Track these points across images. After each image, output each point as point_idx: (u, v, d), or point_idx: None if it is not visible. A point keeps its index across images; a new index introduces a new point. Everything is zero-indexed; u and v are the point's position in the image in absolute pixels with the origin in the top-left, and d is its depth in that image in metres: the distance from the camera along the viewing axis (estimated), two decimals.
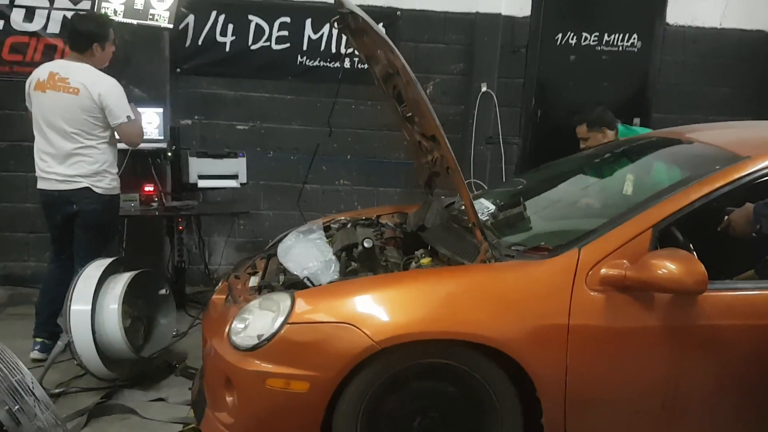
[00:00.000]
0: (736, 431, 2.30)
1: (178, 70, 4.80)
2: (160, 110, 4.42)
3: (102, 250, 3.47)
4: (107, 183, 3.45)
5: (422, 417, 2.26)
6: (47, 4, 4.49)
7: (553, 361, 2.16)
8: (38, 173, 3.46)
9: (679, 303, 2.18)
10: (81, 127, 3.34)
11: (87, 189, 3.38)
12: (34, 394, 2.35)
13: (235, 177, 4.56)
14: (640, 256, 2.16)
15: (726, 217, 2.44)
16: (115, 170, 3.52)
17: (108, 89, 3.35)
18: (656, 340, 2.21)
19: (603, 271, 2.19)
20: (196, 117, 4.96)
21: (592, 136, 3.90)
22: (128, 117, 3.40)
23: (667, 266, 2.07)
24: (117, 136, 3.48)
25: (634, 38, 5.14)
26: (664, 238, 2.28)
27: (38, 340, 3.49)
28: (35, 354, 3.46)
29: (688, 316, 2.20)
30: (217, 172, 4.54)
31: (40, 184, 3.47)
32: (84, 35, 3.40)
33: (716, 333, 2.22)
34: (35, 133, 3.44)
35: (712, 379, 2.24)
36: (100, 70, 3.44)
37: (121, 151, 3.67)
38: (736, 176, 2.32)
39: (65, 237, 3.52)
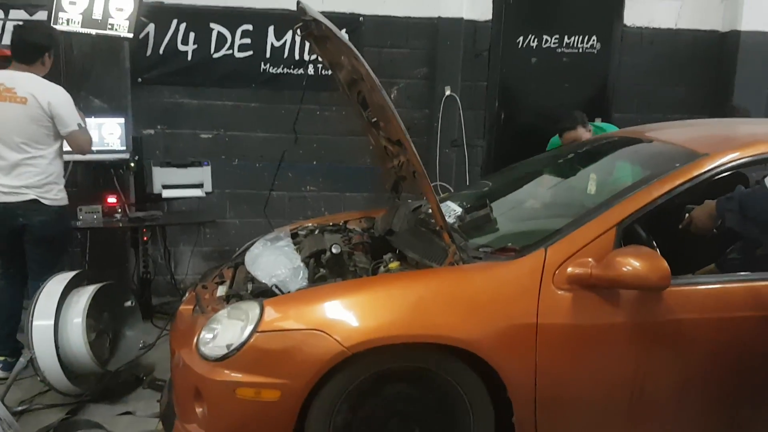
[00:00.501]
0: (702, 424, 2.34)
1: (140, 79, 4.73)
2: (122, 120, 4.36)
3: (55, 263, 3.40)
4: (54, 194, 3.37)
5: (395, 421, 2.25)
6: (2, 15, 4.39)
7: (522, 361, 2.17)
8: None
9: (644, 299, 2.22)
10: (30, 137, 3.27)
11: (35, 201, 3.30)
12: None
13: (200, 186, 4.52)
14: (605, 254, 2.20)
15: (687, 214, 2.49)
16: (62, 182, 3.45)
17: (57, 98, 3.31)
18: (623, 336, 2.24)
19: (569, 270, 2.22)
20: (158, 126, 4.90)
21: (581, 136, 3.93)
22: (78, 125, 3.37)
23: (632, 263, 2.11)
24: (66, 146, 3.42)
25: (594, 40, 5.23)
26: (627, 235, 2.32)
27: (0, 358, 3.39)
28: None
29: (653, 311, 2.24)
30: (182, 182, 4.49)
31: None
32: (34, 46, 3.34)
33: (680, 327, 2.26)
34: None
35: (677, 372, 2.28)
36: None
37: (81, 163, 3.60)
38: (696, 173, 2.37)
39: (13, 251, 3.41)
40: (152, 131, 4.89)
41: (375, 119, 2.91)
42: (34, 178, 3.30)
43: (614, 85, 5.33)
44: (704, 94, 5.32)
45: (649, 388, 2.26)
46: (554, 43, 5.19)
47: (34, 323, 2.98)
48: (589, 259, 2.22)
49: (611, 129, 4.12)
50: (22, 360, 3.01)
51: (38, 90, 3.27)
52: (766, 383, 2.30)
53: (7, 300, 3.37)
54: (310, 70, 4.94)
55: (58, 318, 3.00)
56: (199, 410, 2.25)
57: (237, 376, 2.15)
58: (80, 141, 3.40)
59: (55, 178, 3.38)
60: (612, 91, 5.33)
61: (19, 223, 3.31)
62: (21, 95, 3.25)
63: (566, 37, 5.19)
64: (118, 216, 4.25)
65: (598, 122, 4.29)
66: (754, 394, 2.32)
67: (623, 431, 2.31)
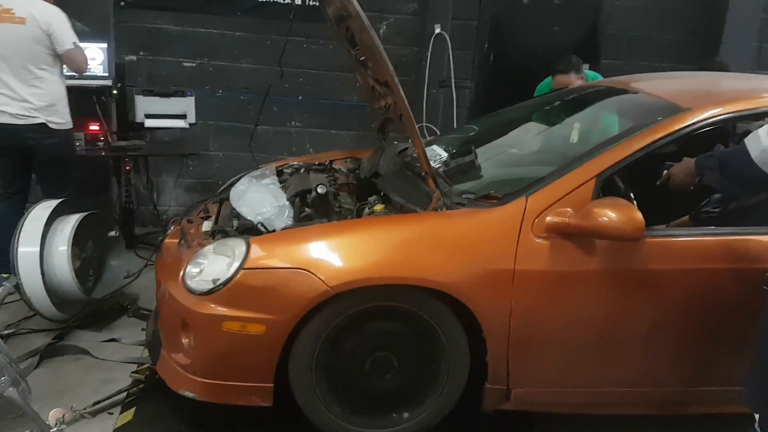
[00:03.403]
0: (666, 364, 2.46)
1: (122, 3, 4.63)
2: (104, 45, 4.26)
3: (68, 182, 3.57)
4: (60, 117, 3.50)
5: (375, 356, 2.35)
6: None
7: (498, 304, 2.26)
8: None
9: (619, 248, 2.29)
10: (31, 57, 3.36)
11: (43, 125, 3.42)
12: None
13: (183, 117, 4.47)
14: (583, 205, 2.26)
15: (665, 171, 2.55)
16: (67, 106, 3.55)
17: (54, 16, 3.37)
18: (596, 282, 2.33)
19: (548, 219, 2.28)
20: (141, 53, 4.81)
21: (574, 81, 3.92)
22: (74, 43, 3.43)
23: (608, 215, 2.18)
24: (64, 69, 3.50)
25: None
26: (606, 186, 2.38)
27: (4, 276, 3.43)
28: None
29: (626, 260, 2.32)
30: (165, 112, 4.45)
31: None
32: None
33: (651, 276, 2.35)
34: None
35: (646, 318, 2.38)
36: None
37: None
38: (676, 128, 2.42)
39: (17, 171, 3.56)
40: (134, 57, 4.80)
41: (363, 58, 2.89)
42: (40, 100, 3.40)
43: (604, 31, 5.28)
44: (693, 42, 5.31)
45: (618, 332, 2.37)
46: None
47: (20, 249, 3.00)
48: (568, 209, 2.28)
49: (597, 78, 4.11)
50: (7, 284, 3.04)
51: (35, 9, 3.33)
52: (729, 330, 2.41)
53: (6, 220, 3.39)
54: (298, 0, 4.83)
55: (43, 245, 3.03)
56: (185, 341, 2.32)
57: (223, 310, 2.22)
58: (77, 59, 3.48)
59: (60, 101, 3.50)
60: (603, 36, 5.29)
61: (28, 145, 3.44)
62: (19, 15, 3.31)
63: None
64: (100, 144, 4.22)
65: (585, 69, 4.27)
66: (718, 340, 2.43)
67: (592, 369, 2.43)
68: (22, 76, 3.36)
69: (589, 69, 4.53)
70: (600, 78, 4.10)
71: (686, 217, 2.94)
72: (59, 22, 3.37)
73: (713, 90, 2.93)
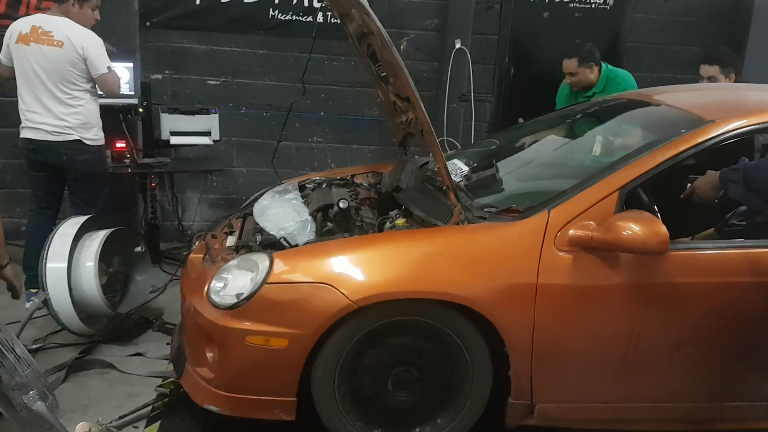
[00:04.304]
0: (691, 381, 2.43)
1: (148, 23, 4.71)
2: (130, 65, 4.35)
3: (98, 199, 3.67)
4: (94, 134, 3.61)
5: (397, 370, 2.35)
6: None
7: (521, 318, 2.25)
8: (25, 123, 3.55)
9: (643, 262, 2.28)
10: (67, 78, 3.46)
11: (77, 141, 3.53)
12: (14, 350, 2.38)
13: (207, 134, 4.55)
14: (606, 218, 2.25)
15: (689, 184, 2.52)
16: (99, 122, 3.67)
17: (90, 41, 3.48)
18: (620, 297, 2.31)
19: (571, 232, 2.27)
20: (166, 71, 4.89)
21: (581, 72, 3.98)
22: (108, 68, 3.53)
23: (632, 228, 2.16)
24: (97, 88, 3.61)
25: None
26: (629, 199, 2.37)
27: (33, 291, 3.50)
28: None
29: (650, 274, 2.30)
30: (190, 129, 4.52)
31: (27, 134, 3.56)
32: None
33: (676, 290, 2.33)
34: (19, 86, 3.53)
35: (671, 332, 2.35)
36: None
37: None
38: (700, 140, 2.40)
39: (50, 187, 3.67)
40: (160, 76, 4.88)
41: (384, 74, 2.92)
42: (75, 118, 3.51)
43: (626, 43, 5.27)
44: None
45: (643, 347, 2.34)
46: None
47: (48, 265, 3.06)
48: (591, 222, 2.27)
49: (627, 76, 4.09)
50: (36, 300, 3.10)
51: (73, 34, 3.44)
52: (757, 346, 2.38)
53: (42, 237, 3.46)
54: (319, 18, 4.89)
55: (71, 261, 3.08)
56: (209, 355, 2.35)
57: (247, 325, 2.24)
58: (110, 83, 3.58)
59: (93, 119, 3.61)
60: (623, 48, 5.28)
61: (62, 161, 3.55)
62: (57, 38, 3.43)
63: None
64: (126, 161, 4.30)
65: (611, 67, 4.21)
66: (744, 356, 2.40)
67: (616, 385, 2.40)
68: (58, 95, 3.47)
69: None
70: (630, 77, 4.10)
71: (711, 230, 2.91)
72: (95, 47, 3.47)
73: (737, 102, 2.89)
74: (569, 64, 4.00)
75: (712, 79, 3.64)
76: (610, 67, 4.14)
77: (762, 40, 5.04)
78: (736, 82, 3.63)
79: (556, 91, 4.35)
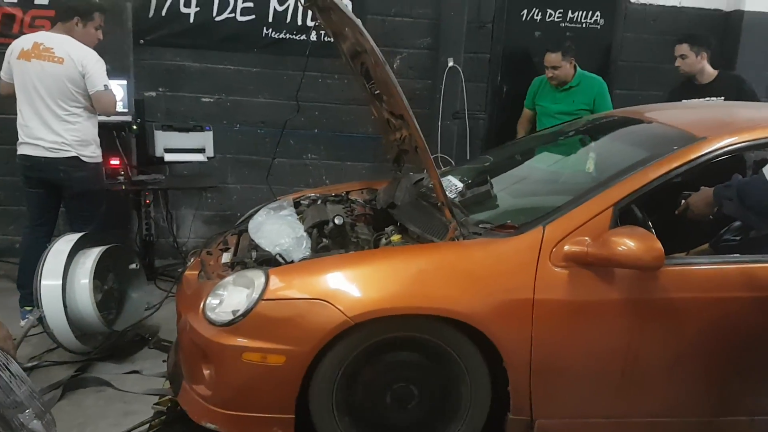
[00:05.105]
0: (689, 396, 2.44)
1: (142, 41, 4.72)
2: (124, 82, 4.35)
3: (95, 216, 3.66)
4: (92, 151, 3.62)
5: (395, 387, 2.35)
6: None
7: (518, 334, 2.26)
8: (23, 139, 3.55)
9: (638, 277, 2.29)
10: (66, 95, 3.48)
11: (75, 158, 3.53)
12: (9, 369, 2.37)
13: (201, 151, 4.55)
14: (601, 234, 2.27)
15: (683, 201, 2.55)
16: (97, 140, 3.68)
17: (91, 58, 3.50)
18: (617, 312, 2.32)
19: (566, 248, 2.29)
20: (160, 89, 4.90)
21: (563, 65, 4.22)
22: (105, 86, 3.54)
23: (627, 243, 2.18)
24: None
25: (597, 15, 5.24)
26: (624, 215, 2.39)
27: (27, 309, 3.48)
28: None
29: (646, 289, 2.31)
30: (184, 146, 4.53)
31: (25, 150, 3.56)
32: (69, 8, 3.55)
33: (672, 305, 2.34)
34: (19, 101, 3.54)
35: (669, 348, 2.36)
36: None
37: None
38: (693, 156, 2.42)
39: (45, 204, 3.66)
40: (154, 93, 4.89)
41: (378, 92, 2.94)
42: (73, 135, 3.52)
43: (617, 62, 5.34)
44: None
45: (640, 362, 2.35)
46: (558, 17, 5.19)
47: (43, 282, 3.05)
48: (586, 238, 2.29)
49: (598, 81, 4.36)
50: (31, 318, 3.08)
51: (74, 51, 3.47)
52: (755, 360, 2.39)
53: (36, 255, 3.45)
54: (313, 37, 4.91)
55: (65, 278, 3.07)
56: (206, 372, 2.34)
57: (243, 341, 2.24)
58: (104, 101, 3.57)
59: (91, 136, 3.62)
60: (615, 67, 5.35)
61: (59, 178, 3.55)
62: (58, 55, 3.46)
63: (570, 11, 5.20)
64: (120, 178, 4.29)
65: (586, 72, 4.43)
66: (742, 371, 2.41)
67: (615, 400, 2.41)
68: (57, 112, 3.47)
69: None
70: (602, 82, 4.36)
71: (706, 245, 2.93)
72: (94, 64, 3.48)
73: (728, 119, 2.94)
74: (554, 58, 4.22)
75: (683, 56, 4.06)
76: (586, 73, 4.42)
77: (751, 58, 5.12)
78: (708, 61, 4.06)
79: None
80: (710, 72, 4.09)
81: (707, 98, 4.00)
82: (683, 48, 4.06)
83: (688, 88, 4.13)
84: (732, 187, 2.25)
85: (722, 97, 3.98)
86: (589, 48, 5.25)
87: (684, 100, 4.03)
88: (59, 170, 3.52)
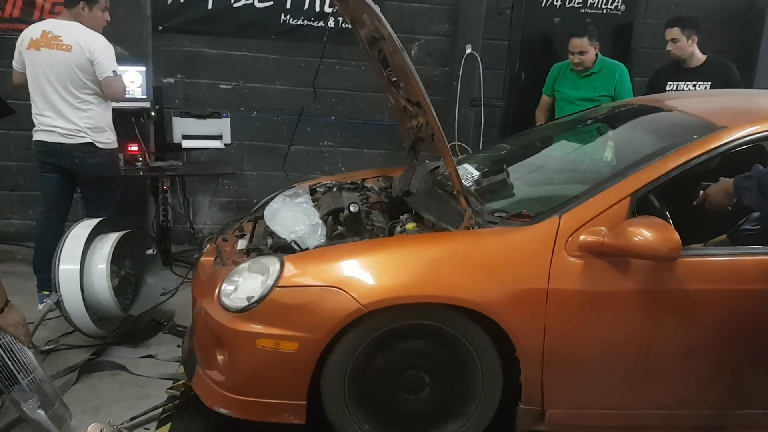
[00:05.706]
0: (703, 387, 2.42)
1: (160, 27, 4.74)
2: (143, 69, 4.38)
3: (111, 202, 3.69)
4: (107, 137, 3.64)
5: (407, 375, 2.35)
6: None
7: (532, 323, 2.25)
8: (38, 127, 3.58)
9: (654, 268, 2.27)
10: (76, 83, 3.49)
11: (90, 144, 3.56)
12: (15, 357, 2.35)
13: (219, 137, 4.56)
14: (617, 223, 2.24)
15: (702, 192, 2.51)
16: (111, 126, 3.69)
17: (98, 44, 3.49)
18: (631, 303, 2.30)
19: (582, 237, 2.27)
20: (178, 76, 4.92)
21: (590, 50, 4.21)
22: (114, 72, 3.54)
23: (643, 234, 2.15)
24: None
25: (618, 1, 5.16)
26: (641, 205, 2.36)
27: (45, 293, 3.53)
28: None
29: (662, 280, 2.29)
30: (201, 133, 4.53)
31: (40, 136, 3.59)
32: None
33: (688, 297, 2.32)
34: (31, 91, 3.55)
35: (683, 339, 2.34)
36: None
37: None
38: (712, 146, 2.38)
39: (60, 189, 3.68)
40: (172, 80, 4.92)
41: (395, 79, 2.93)
42: (87, 122, 3.54)
43: (637, 48, 5.26)
44: (729, 60, 5.23)
45: (654, 353, 2.33)
46: (578, 3, 5.12)
47: (61, 267, 3.08)
48: (602, 228, 2.26)
49: (620, 66, 4.30)
50: (49, 302, 3.12)
51: (82, 38, 3.47)
52: None
53: (51, 239, 3.50)
54: (331, 23, 4.91)
55: (83, 263, 3.10)
56: (220, 358, 2.35)
57: (257, 328, 2.25)
58: (114, 87, 3.57)
59: (105, 122, 3.64)
60: (635, 53, 5.27)
61: (75, 164, 3.58)
62: (67, 43, 3.46)
63: None
64: (138, 164, 4.33)
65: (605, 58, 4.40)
66: (757, 363, 2.38)
67: (627, 392, 2.39)
68: (69, 100, 3.49)
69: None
70: (623, 68, 4.30)
71: (724, 236, 2.89)
72: (103, 49, 3.48)
73: (749, 108, 2.89)
74: (581, 43, 4.19)
75: (674, 40, 4.05)
76: (605, 58, 4.38)
77: None
78: (697, 45, 4.08)
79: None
80: (699, 56, 4.09)
81: (693, 82, 4.01)
82: (674, 32, 4.05)
83: (676, 69, 4.15)
84: (752, 177, 2.21)
85: (709, 83, 3.99)
86: (609, 34, 5.19)
87: (668, 82, 4.10)
88: (74, 156, 3.55)
